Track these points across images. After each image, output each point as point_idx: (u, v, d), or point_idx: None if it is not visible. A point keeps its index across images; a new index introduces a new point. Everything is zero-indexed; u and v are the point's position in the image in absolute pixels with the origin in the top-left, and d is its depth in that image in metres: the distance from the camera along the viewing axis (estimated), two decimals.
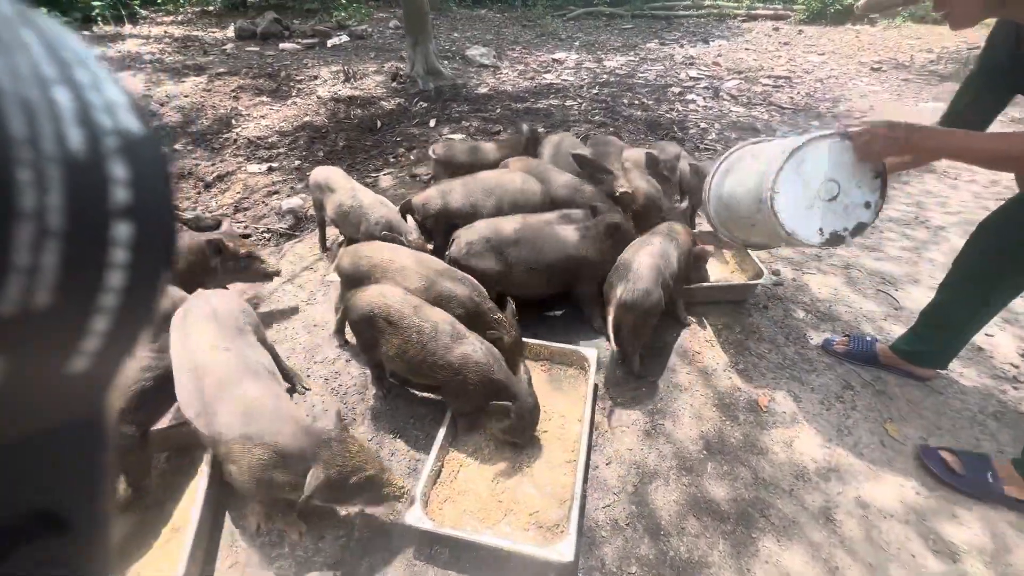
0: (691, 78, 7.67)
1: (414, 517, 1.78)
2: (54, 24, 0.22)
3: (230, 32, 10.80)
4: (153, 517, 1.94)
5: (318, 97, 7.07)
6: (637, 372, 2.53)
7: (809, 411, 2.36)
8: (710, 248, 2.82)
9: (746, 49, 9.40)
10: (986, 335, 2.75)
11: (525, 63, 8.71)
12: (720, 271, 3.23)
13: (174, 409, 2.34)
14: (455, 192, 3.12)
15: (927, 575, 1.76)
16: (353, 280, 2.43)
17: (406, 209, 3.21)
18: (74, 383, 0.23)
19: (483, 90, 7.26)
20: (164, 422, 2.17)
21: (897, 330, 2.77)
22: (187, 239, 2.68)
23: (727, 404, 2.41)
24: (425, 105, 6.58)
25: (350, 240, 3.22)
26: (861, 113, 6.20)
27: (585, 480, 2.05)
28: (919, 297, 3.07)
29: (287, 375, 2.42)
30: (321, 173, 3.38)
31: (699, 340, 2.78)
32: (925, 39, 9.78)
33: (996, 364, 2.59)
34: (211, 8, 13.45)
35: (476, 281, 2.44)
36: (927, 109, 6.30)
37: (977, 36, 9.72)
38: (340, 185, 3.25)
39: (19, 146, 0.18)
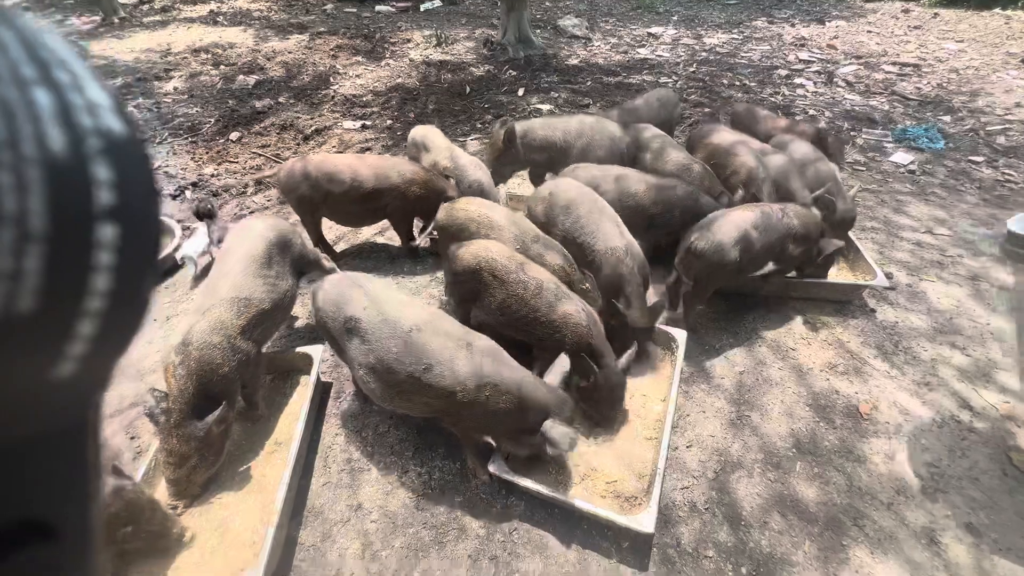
0: (801, 61, 7.04)
1: (497, 466, 1.83)
2: (34, 23, 0.21)
3: None
4: (259, 430, 2.14)
5: (410, 60, 7.19)
6: (690, 326, 2.53)
7: (918, 426, 2.17)
8: (840, 243, 2.63)
9: (868, 32, 8.45)
10: None
11: (618, 36, 8.36)
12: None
13: (274, 338, 2.54)
14: (555, 129, 3.32)
15: None
16: (449, 234, 2.49)
17: (509, 134, 3.29)
18: (60, 389, 0.22)
19: (574, 61, 7.07)
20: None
21: None
22: (438, 180, 3.01)
23: (822, 406, 2.27)
24: (515, 73, 6.51)
25: None
26: (1005, 110, 5.44)
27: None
28: None
29: None
30: (420, 131, 3.45)
31: (794, 336, 2.62)
32: None
33: None
34: None
35: (566, 252, 2.41)
36: None
37: None
38: (437, 144, 3.30)
39: None
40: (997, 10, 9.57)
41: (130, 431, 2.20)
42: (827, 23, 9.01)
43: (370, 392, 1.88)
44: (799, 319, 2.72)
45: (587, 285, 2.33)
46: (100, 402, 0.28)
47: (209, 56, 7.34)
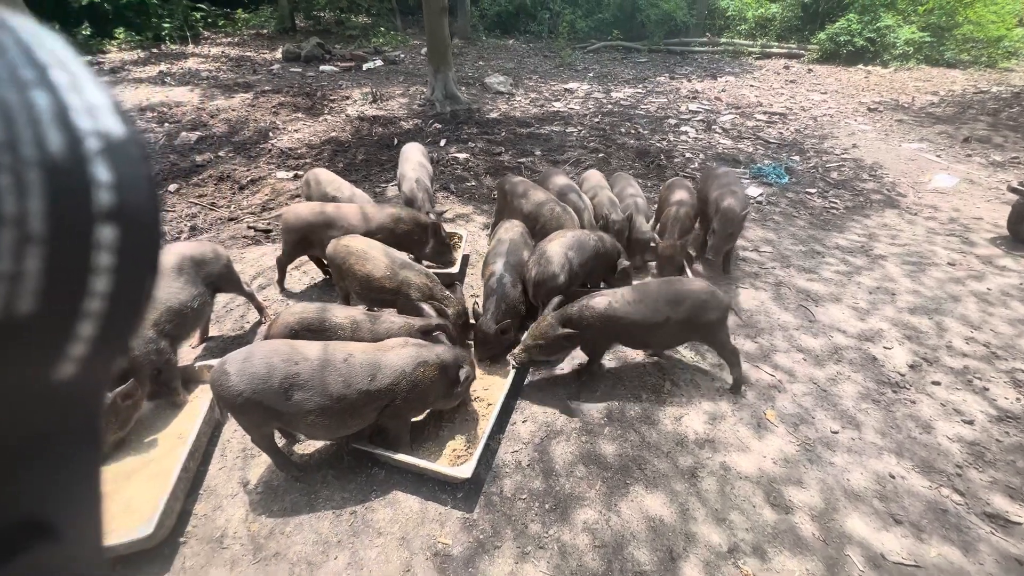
0: (690, 111, 8.17)
1: (362, 443, 2.32)
2: (31, 25, 0.22)
3: (279, 54, 11.98)
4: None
5: (346, 115, 7.90)
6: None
7: (704, 394, 2.80)
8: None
9: (751, 86, 9.84)
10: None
11: (539, 91, 9.40)
12: None
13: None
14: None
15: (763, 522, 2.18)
16: (335, 264, 3.04)
17: None
18: (61, 390, 0.22)
19: (494, 115, 7.95)
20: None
21: (806, 340, 3.19)
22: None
23: (635, 385, 2.87)
24: (439, 127, 7.30)
25: None
26: (843, 151, 6.56)
27: (502, 431, 2.55)
28: (835, 314, 3.46)
29: None
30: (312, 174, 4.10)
31: None
32: (934, 81, 10.00)
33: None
34: (264, 31, 14.86)
35: (429, 271, 3.00)
36: (908, 150, 6.60)
37: (989, 80, 9.87)
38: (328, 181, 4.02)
39: None
40: (860, 66, 11.29)
41: None
42: (718, 78, 10.41)
43: (320, 432, 2.22)
44: None
45: (448, 294, 2.92)
46: (101, 403, 0.28)
47: (155, 114, 7.83)
